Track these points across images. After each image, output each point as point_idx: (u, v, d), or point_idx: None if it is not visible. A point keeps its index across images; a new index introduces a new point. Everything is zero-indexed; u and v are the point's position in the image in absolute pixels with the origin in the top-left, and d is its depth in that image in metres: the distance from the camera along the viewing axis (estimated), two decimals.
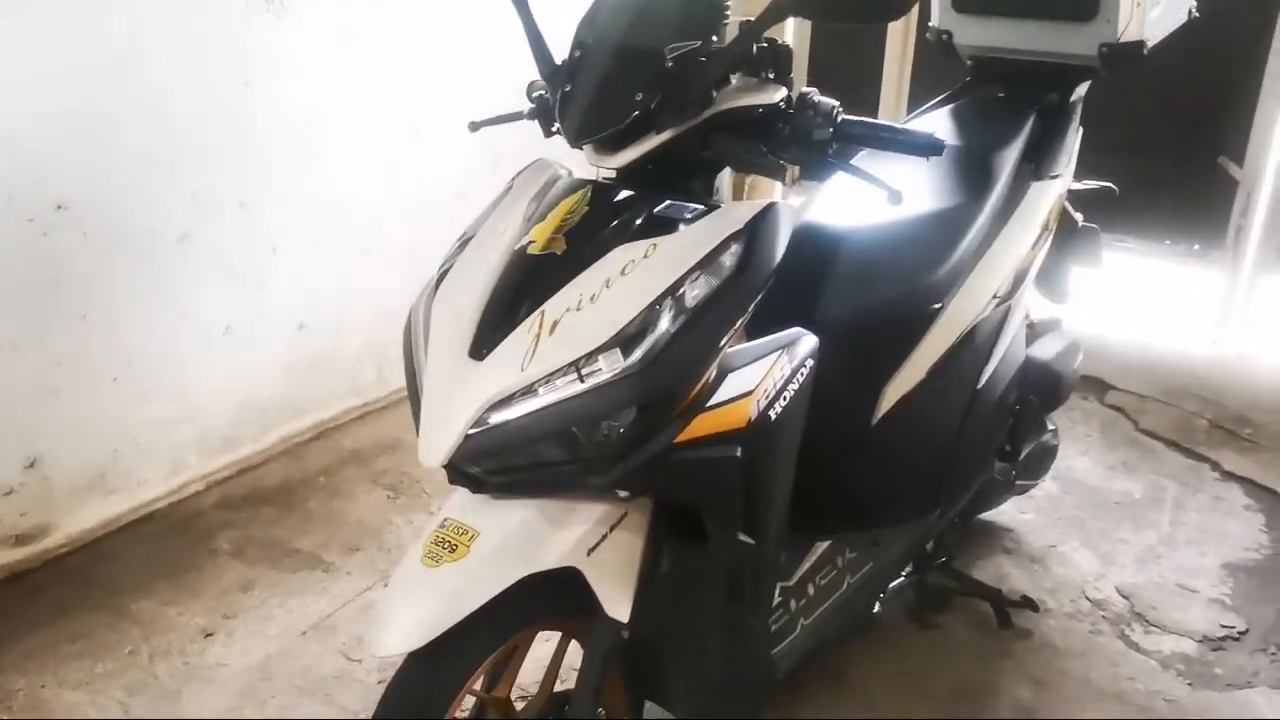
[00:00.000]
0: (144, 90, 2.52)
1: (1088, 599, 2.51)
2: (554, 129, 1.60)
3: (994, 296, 2.10)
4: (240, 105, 2.77)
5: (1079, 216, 2.48)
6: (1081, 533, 2.79)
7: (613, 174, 1.55)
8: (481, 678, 1.59)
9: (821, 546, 1.96)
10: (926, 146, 1.48)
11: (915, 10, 1.48)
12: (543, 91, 1.66)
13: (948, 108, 2.48)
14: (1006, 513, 2.81)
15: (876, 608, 2.20)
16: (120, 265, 2.57)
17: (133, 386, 2.68)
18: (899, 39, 4.44)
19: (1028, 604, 2.41)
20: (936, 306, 1.98)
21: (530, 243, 1.46)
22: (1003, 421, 2.33)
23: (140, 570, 2.58)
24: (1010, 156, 2.20)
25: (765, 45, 1.53)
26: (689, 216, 1.45)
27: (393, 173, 3.27)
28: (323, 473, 3.08)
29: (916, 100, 3.88)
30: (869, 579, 2.04)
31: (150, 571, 2.57)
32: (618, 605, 1.51)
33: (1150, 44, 2.29)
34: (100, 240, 2.49)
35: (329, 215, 3.10)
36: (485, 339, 1.39)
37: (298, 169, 2.95)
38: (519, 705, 1.67)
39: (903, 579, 2.29)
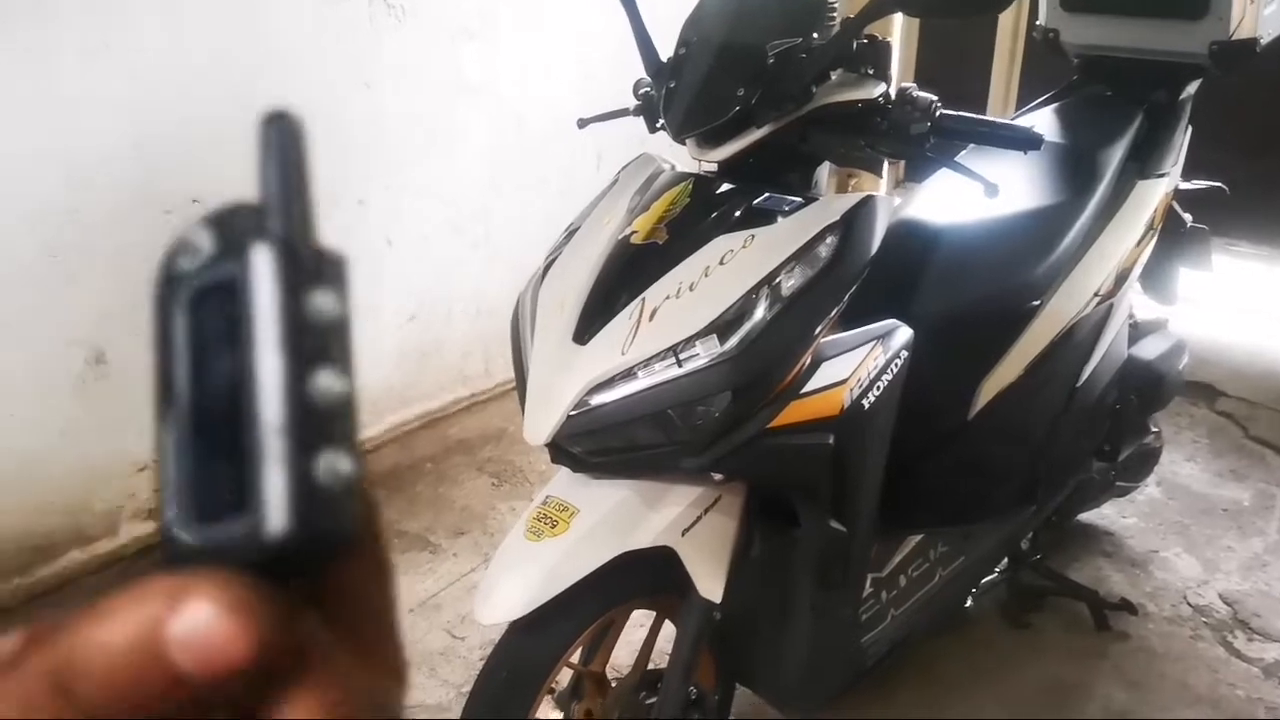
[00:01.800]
0: (272, 91, 2.67)
1: (1189, 604, 2.47)
2: (658, 124, 1.67)
3: (1095, 294, 2.09)
4: (361, 105, 2.90)
5: (1188, 217, 2.44)
6: (1184, 539, 2.74)
7: (714, 167, 1.61)
8: (578, 651, 1.66)
9: (914, 540, 1.98)
10: (1024, 140, 1.50)
11: (1024, 8, 1.50)
12: (648, 89, 1.72)
13: (1053, 106, 2.47)
14: (1107, 516, 2.78)
15: (968, 603, 2.21)
16: None
17: None
18: (1008, 37, 4.39)
19: (1126, 607, 2.38)
20: (1035, 303, 1.98)
21: (633, 233, 1.52)
22: (1102, 421, 2.32)
23: None
24: (1115, 154, 2.18)
25: (865, 41, 1.57)
26: (787, 209, 1.49)
27: (499, 169, 3.37)
28: (430, 460, 3.20)
29: (1025, 99, 3.83)
30: (961, 574, 2.05)
31: None
32: (710, 586, 1.56)
33: (1264, 41, 2.25)
34: None
35: (439, 210, 3.22)
36: (588, 324, 1.46)
37: (411, 166, 3.08)
38: (613, 681, 1.73)
39: (996, 576, 2.29)
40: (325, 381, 0.25)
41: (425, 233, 3.19)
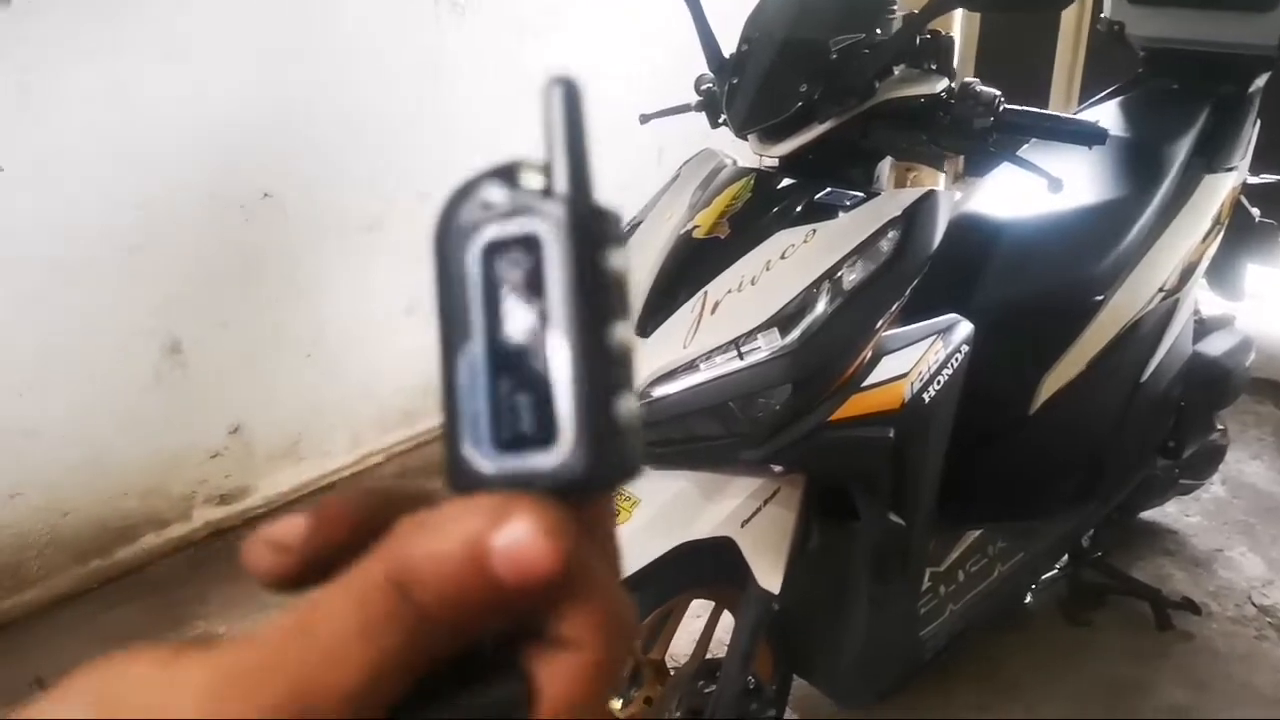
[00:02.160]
0: (340, 87, 2.73)
1: (1253, 604, 2.43)
2: (720, 120, 1.69)
3: (1160, 290, 2.07)
4: (425, 100, 2.95)
5: (1256, 212, 2.40)
6: (1249, 538, 2.69)
7: (775, 162, 1.62)
8: (638, 639, 1.69)
9: (973, 534, 1.98)
10: (1088, 135, 1.50)
11: (1088, 1, 1.49)
12: (710, 84, 1.74)
13: (1118, 100, 2.44)
14: (1170, 514, 2.75)
15: (1028, 599, 2.20)
16: (317, 249, 2.79)
17: (323, 362, 2.90)
18: (1071, 31, 4.33)
19: (1189, 606, 2.35)
20: (1099, 298, 1.97)
21: (695, 227, 1.55)
22: (1166, 417, 2.29)
23: None
24: (1181, 148, 2.16)
25: (928, 36, 1.57)
26: (848, 203, 1.50)
27: None
28: None
29: (1088, 93, 3.79)
30: (1020, 569, 2.05)
31: None
32: (769, 577, 1.58)
33: None
34: (299, 226, 2.71)
35: None
36: (650, 317, 1.49)
37: (473, 160, 3.09)
38: (671, 669, 1.76)
39: (1056, 572, 2.28)
40: (619, 331, 0.27)
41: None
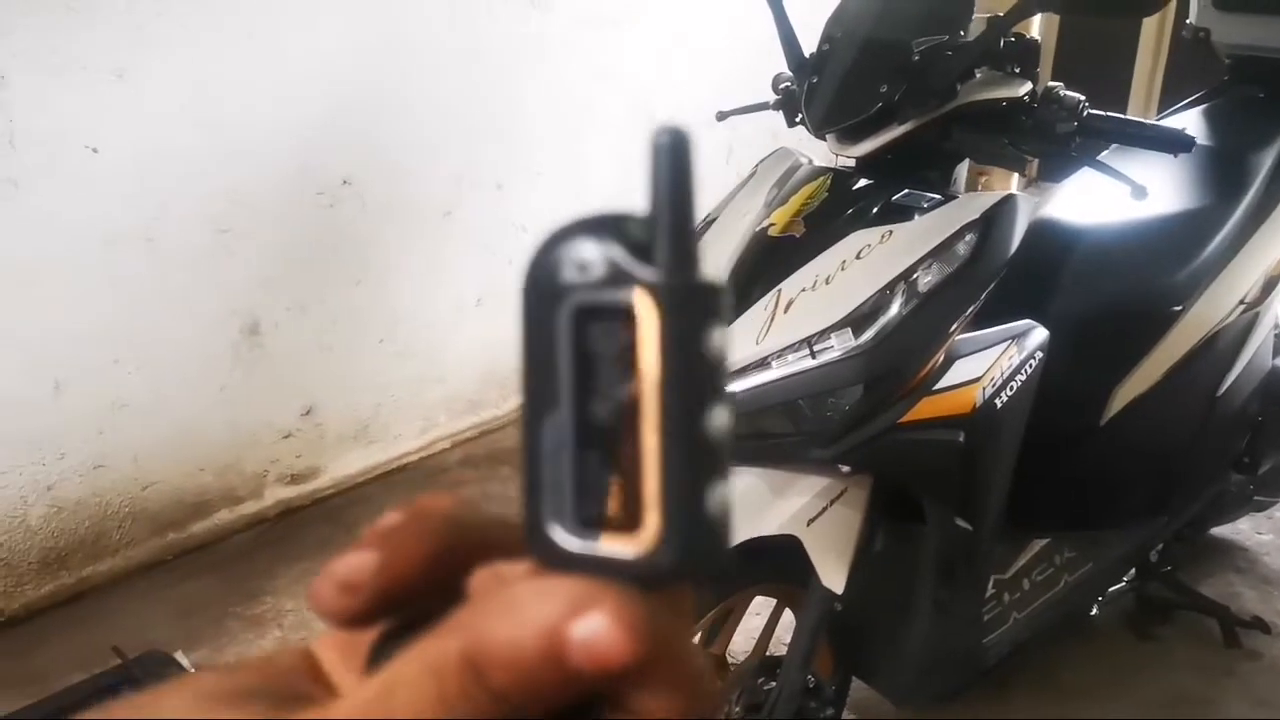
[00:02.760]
0: (420, 77, 2.78)
1: None
2: (797, 119, 1.69)
3: (1241, 302, 2.03)
4: (503, 92, 2.99)
5: None
6: None
7: (852, 163, 1.62)
8: (699, 634, 1.70)
9: (1040, 543, 1.96)
10: (1175, 142, 1.48)
11: (1172, 7, 1.47)
12: (788, 83, 1.74)
13: (1201, 107, 2.40)
14: (1242, 530, 2.69)
15: (1094, 610, 2.17)
16: (391, 236, 2.84)
17: (395, 347, 2.95)
18: (1153, 36, 4.25)
19: (1258, 625, 2.30)
20: (1177, 308, 1.94)
21: (770, 225, 1.55)
22: (1242, 432, 2.25)
23: None
24: (1267, 159, 2.11)
25: (1012, 40, 1.56)
26: (926, 205, 1.50)
27: (628, 159, 3.41)
28: None
29: (1167, 101, 3.72)
30: (1087, 580, 2.02)
31: None
32: (833, 577, 1.58)
33: None
34: (376, 213, 2.76)
35: (572, 199, 3.29)
36: None
37: (546, 152, 3.15)
38: (731, 665, 1.77)
39: (1124, 585, 2.25)
40: (717, 417, 0.25)
41: (558, 220, 3.25)
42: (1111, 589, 2.19)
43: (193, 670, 2.13)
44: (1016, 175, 3.85)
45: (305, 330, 2.71)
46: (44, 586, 2.39)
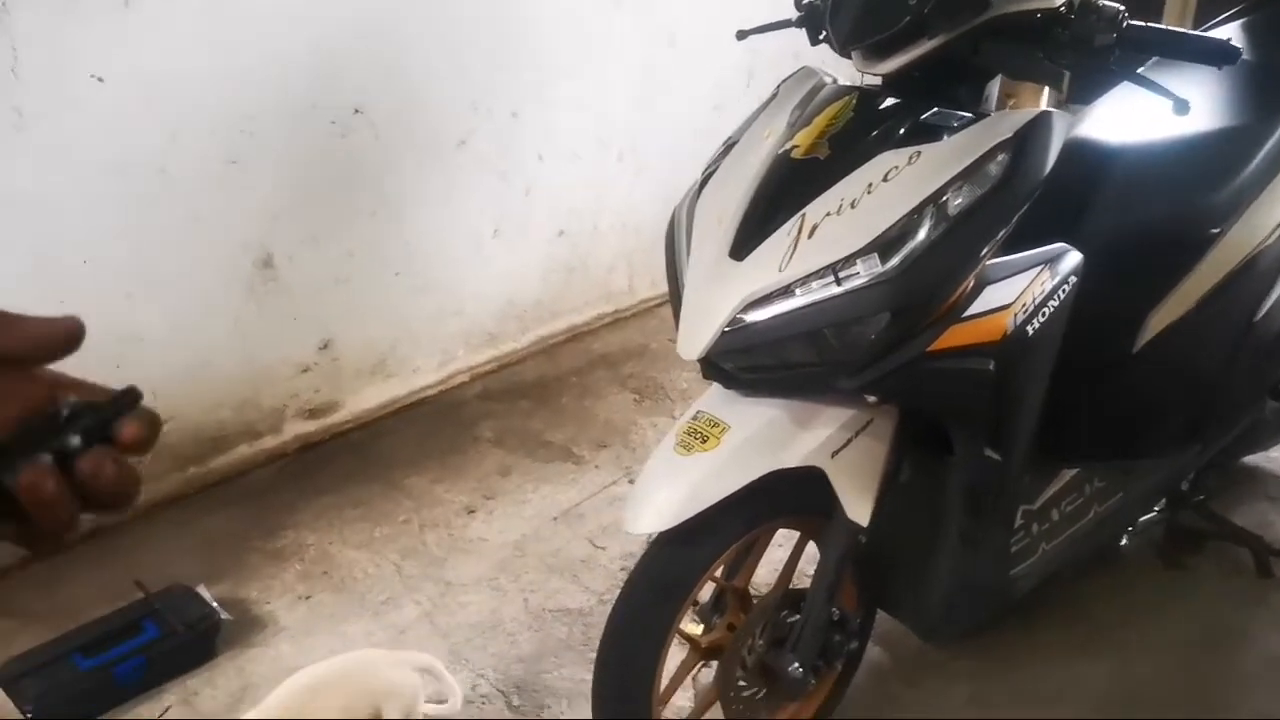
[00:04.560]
0: (433, 2, 2.69)
1: None
2: (821, 36, 1.62)
3: None
4: (518, 17, 2.90)
5: None
6: None
7: (878, 81, 1.56)
8: (722, 566, 1.68)
9: (1069, 473, 1.92)
10: (1220, 53, 1.40)
11: None
12: None
13: (1241, 21, 2.29)
14: (1275, 459, 2.64)
15: (1124, 541, 2.14)
16: (406, 166, 2.78)
17: (412, 280, 2.92)
18: None
19: None
20: (1214, 230, 1.87)
21: (794, 147, 1.49)
22: (1278, 358, 2.18)
23: (413, 449, 2.83)
24: None
25: None
26: (956, 124, 1.43)
27: (649, 85, 3.34)
28: (574, 373, 3.25)
29: (1205, 15, 3.58)
30: (1117, 510, 1.99)
31: (421, 451, 2.82)
32: (858, 509, 1.56)
33: None
34: (390, 143, 2.71)
35: (589, 125, 3.22)
36: (746, 240, 1.44)
37: (563, 79, 3.08)
38: (754, 598, 1.75)
39: (1154, 515, 2.21)
40: None
41: (575, 148, 3.20)
42: (1142, 519, 2.16)
43: (215, 604, 2.14)
44: (1046, 95, 3.74)
45: (320, 263, 2.68)
46: None
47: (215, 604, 2.16)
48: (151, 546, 2.40)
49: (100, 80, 2.13)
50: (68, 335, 0.51)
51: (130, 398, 0.52)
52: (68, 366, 0.53)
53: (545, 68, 3.02)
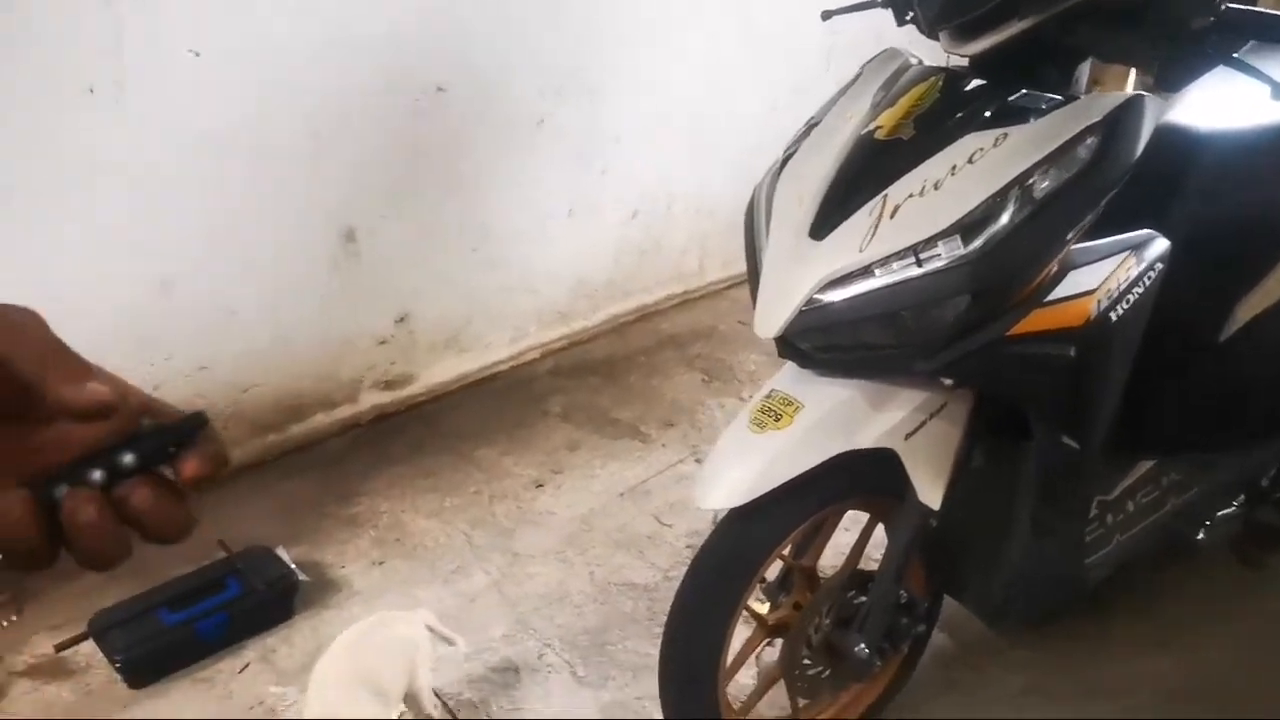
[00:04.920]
0: None
1: None
2: (907, 17, 1.61)
3: None
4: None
5: None
6: None
7: (965, 62, 1.54)
8: (790, 545, 1.69)
9: (1146, 464, 1.89)
10: None
11: None
12: None
13: None
14: None
15: (1200, 536, 2.10)
16: (485, 145, 2.82)
17: (488, 257, 2.95)
18: None
19: None
20: None
21: (877, 128, 1.49)
22: None
23: (483, 422, 2.88)
24: None
25: None
26: (1044, 107, 1.42)
27: (726, 67, 3.33)
28: (643, 352, 3.27)
29: None
30: (1194, 504, 1.96)
31: (492, 425, 2.86)
32: (930, 492, 1.55)
33: None
34: (471, 121, 2.74)
35: (666, 107, 3.23)
36: (826, 220, 1.44)
37: (642, 61, 3.08)
38: (821, 578, 1.75)
39: (1232, 510, 2.16)
40: None
41: (651, 129, 3.21)
42: (1220, 514, 2.11)
43: (293, 565, 2.20)
44: (1131, 80, 3.66)
45: (400, 238, 2.73)
46: None
47: (293, 565, 2.22)
48: (232, 508, 2.47)
49: (196, 54, 2.19)
50: (103, 406, 0.50)
51: (196, 422, 0.52)
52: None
53: (625, 49, 3.03)
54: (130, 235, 2.24)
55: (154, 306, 2.34)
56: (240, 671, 2.05)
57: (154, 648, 2.00)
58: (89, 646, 2.05)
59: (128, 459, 0.49)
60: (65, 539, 0.49)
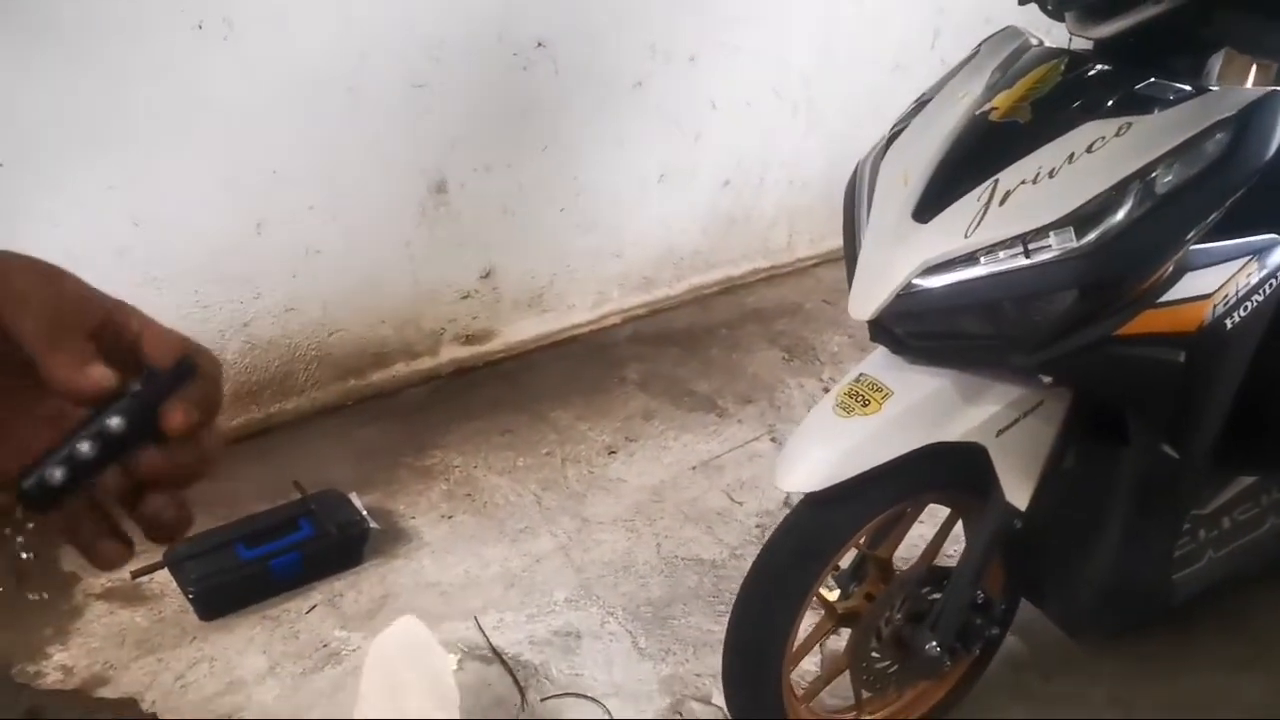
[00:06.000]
0: None
1: None
2: None
3: None
4: None
5: None
6: None
7: (1090, 46, 1.47)
8: (866, 535, 1.65)
9: (1246, 481, 1.81)
10: None
11: None
12: None
13: None
14: None
15: None
16: (581, 104, 2.79)
17: (576, 218, 2.94)
18: None
19: None
20: None
21: (992, 109, 1.43)
22: None
23: (561, 384, 2.87)
24: None
25: None
26: (1172, 97, 1.34)
27: (831, 39, 3.25)
28: (725, 325, 3.23)
29: None
30: None
31: (569, 387, 2.86)
32: (1017, 492, 1.50)
33: None
34: (568, 79, 2.72)
35: (765, 76, 3.16)
36: (931, 202, 1.39)
37: (744, 25, 3.02)
38: (897, 572, 1.71)
39: None
40: None
41: (749, 97, 3.15)
42: None
43: (364, 512, 2.23)
44: (1253, 75, 3.49)
45: (490, 193, 2.72)
46: (236, 419, 2.52)
47: (365, 512, 2.24)
48: (309, 451, 2.51)
49: None
50: (102, 394, 0.46)
51: (183, 370, 0.48)
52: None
53: (727, 14, 2.97)
54: (226, 172, 2.27)
55: (245, 244, 2.37)
56: (307, 612, 2.08)
57: (227, 580, 2.04)
58: (164, 575, 2.10)
59: (115, 423, 0.46)
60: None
